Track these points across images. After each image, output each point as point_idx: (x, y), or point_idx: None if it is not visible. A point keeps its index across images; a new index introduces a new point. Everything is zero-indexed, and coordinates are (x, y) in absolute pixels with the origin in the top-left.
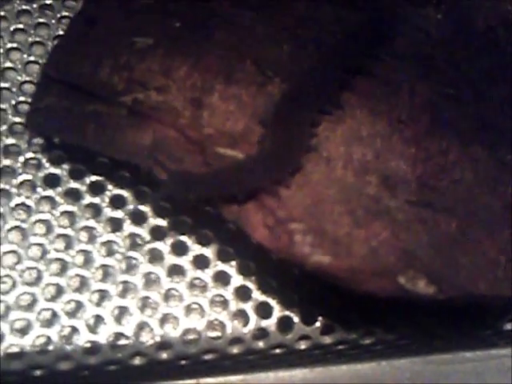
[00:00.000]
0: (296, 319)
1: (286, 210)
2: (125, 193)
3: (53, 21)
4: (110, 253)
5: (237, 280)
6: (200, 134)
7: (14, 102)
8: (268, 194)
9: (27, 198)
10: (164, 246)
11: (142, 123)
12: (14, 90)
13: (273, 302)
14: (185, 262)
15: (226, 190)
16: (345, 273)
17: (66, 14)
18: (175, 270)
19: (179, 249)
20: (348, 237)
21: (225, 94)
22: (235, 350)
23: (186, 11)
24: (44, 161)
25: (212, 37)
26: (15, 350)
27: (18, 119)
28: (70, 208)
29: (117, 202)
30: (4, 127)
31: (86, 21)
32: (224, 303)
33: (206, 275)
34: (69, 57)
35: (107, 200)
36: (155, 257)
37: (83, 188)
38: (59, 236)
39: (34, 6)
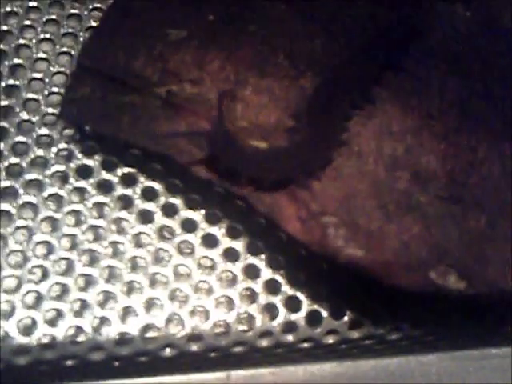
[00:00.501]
0: (324, 313)
1: (319, 204)
2: (156, 185)
3: (85, 12)
4: (141, 245)
5: (266, 273)
6: (233, 126)
7: (46, 93)
8: (300, 187)
9: (60, 188)
10: (195, 239)
11: (176, 114)
12: (46, 80)
13: (301, 296)
14: (215, 254)
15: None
16: (378, 266)
17: (98, 5)
18: (205, 263)
19: (210, 241)
20: (380, 231)
21: (258, 87)
22: (264, 343)
23: (220, 4)
24: (76, 152)
25: (245, 30)
26: (47, 339)
27: (50, 110)
28: (101, 199)
29: (148, 194)
30: (37, 118)
31: (120, 12)
32: (253, 296)
33: (236, 268)
34: (103, 47)
35: (139, 192)
36: (186, 249)
37: (115, 179)
38: (91, 227)
39: None
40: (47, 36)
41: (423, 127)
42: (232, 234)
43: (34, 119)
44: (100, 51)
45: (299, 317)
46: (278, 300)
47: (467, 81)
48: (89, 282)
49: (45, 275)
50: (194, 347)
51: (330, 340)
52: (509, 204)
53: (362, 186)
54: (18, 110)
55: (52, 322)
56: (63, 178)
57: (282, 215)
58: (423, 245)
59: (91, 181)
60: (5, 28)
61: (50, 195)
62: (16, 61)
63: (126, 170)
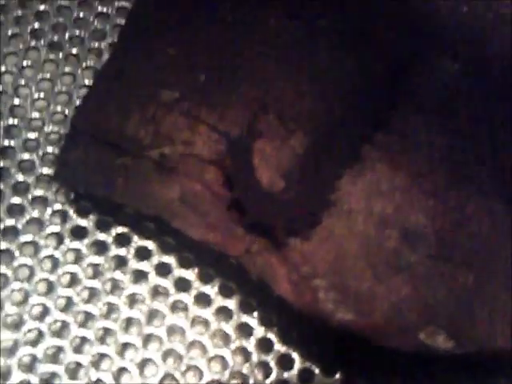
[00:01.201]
0: (317, 371)
1: (310, 266)
2: (150, 244)
3: (78, 71)
4: (136, 304)
5: (259, 331)
6: (226, 189)
7: (41, 153)
8: (291, 249)
9: (55, 249)
10: (188, 298)
11: (169, 177)
12: (40, 140)
13: (294, 354)
14: (208, 313)
15: None
16: (367, 329)
17: (92, 64)
18: (199, 322)
19: (203, 300)
20: (370, 292)
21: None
22: None
23: (211, 63)
24: (71, 212)
25: (237, 89)
26: None
27: (45, 170)
28: (96, 260)
29: (142, 254)
30: (32, 178)
31: (112, 73)
32: (246, 354)
33: (229, 327)
34: (96, 110)
35: (133, 251)
36: (179, 308)
37: (109, 239)
38: (85, 288)
39: (60, 55)
40: (41, 95)
41: (412, 185)
42: (225, 292)
43: (30, 180)
44: (93, 113)
45: (292, 374)
46: (270, 358)
47: (456, 137)
48: (84, 342)
49: (40, 336)
50: None
51: None
52: (497, 261)
53: (352, 246)
54: (12, 170)
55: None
56: (58, 239)
57: (273, 277)
58: (412, 306)
59: (86, 241)
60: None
61: (45, 257)
62: (11, 121)
63: (120, 229)
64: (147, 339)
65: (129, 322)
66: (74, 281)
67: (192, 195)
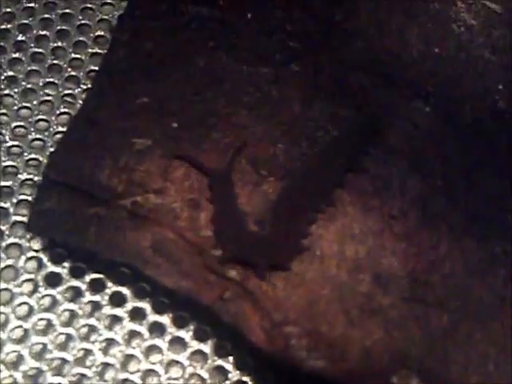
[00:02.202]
0: None
1: (282, 313)
2: (124, 290)
3: (52, 117)
4: (110, 351)
5: (234, 375)
6: (198, 236)
7: (15, 201)
8: (264, 296)
9: (29, 296)
10: (163, 342)
11: (142, 225)
12: (14, 188)
13: None
14: (183, 357)
15: None
16: (340, 376)
17: (65, 110)
18: (174, 366)
19: (178, 344)
20: (343, 338)
21: None
22: None
23: (183, 110)
24: (45, 260)
25: (209, 136)
26: None
27: (18, 218)
28: (70, 306)
29: (116, 299)
30: (5, 226)
31: (85, 122)
32: None
33: (204, 371)
34: (69, 159)
35: (107, 298)
36: (154, 353)
37: (83, 286)
38: (60, 334)
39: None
40: (15, 143)
41: (384, 227)
42: (200, 336)
43: (3, 228)
44: (66, 163)
45: None
46: None
47: (428, 178)
48: None
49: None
50: None
51: None
52: (471, 301)
53: (325, 291)
54: None
55: None
56: (33, 286)
57: (245, 325)
58: (385, 350)
59: (60, 288)
60: None
61: (20, 304)
62: None
63: (95, 276)
64: None
65: (104, 367)
66: (48, 327)
67: (164, 243)
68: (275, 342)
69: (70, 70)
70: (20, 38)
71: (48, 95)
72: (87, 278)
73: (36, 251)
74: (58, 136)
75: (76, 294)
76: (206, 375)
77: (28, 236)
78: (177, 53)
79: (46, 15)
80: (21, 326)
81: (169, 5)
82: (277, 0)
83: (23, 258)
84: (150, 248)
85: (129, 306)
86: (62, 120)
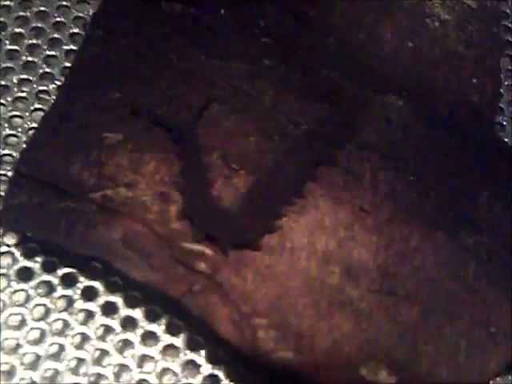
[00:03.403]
0: None
1: (251, 305)
2: (96, 284)
3: (26, 113)
4: (83, 344)
5: (206, 368)
6: (167, 229)
7: None
8: (232, 288)
9: (1, 291)
10: (135, 337)
11: (112, 219)
12: None
13: None
14: (155, 351)
15: None
16: (308, 368)
17: (39, 106)
18: (146, 360)
19: (150, 338)
20: (311, 329)
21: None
22: None
23: (155, 106)
24: (18, 254)
25: (179, 131)
26: None
27: None
28: (43, 301)
29: (89, 294)
30: None
31: (57, 117)
32: None
33: (176, 365)
34: (40, 153)
35: (79, 292)
36: (126, 347)
37: (55, 280)
38: (32, 329)
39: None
40: None
41: (355, 221)
42: (172, 330)
43: None
44: (37, 157)
45: None
46: None
47: (400, 172)
48: None
49: None
50: None
51: None
52: (441, 293)
53: (294, 283)
54: None
55: None
56: (6, 281)
57: (214, 317)
58: (354, 342)
59: (32, 283)
60: None
61: None
62: None
63: (67, 270)
64: (95, 379)
65: (77, 362)
66: (21, 323)
67: (134, 236)
68: (243, 333)
69: (45, 67)
70: None
71: (23, 92)
72: (59, 273)
73: (8, 246)
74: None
75: (48, 288)
76: (178, 369)
77: (0, 231)
78: (150, 49)
79: (22, 13)
80: None
81: (142, 2)
82: None
83: None
84: (120, 241)
85: (101, 300)
86: (36, 116)
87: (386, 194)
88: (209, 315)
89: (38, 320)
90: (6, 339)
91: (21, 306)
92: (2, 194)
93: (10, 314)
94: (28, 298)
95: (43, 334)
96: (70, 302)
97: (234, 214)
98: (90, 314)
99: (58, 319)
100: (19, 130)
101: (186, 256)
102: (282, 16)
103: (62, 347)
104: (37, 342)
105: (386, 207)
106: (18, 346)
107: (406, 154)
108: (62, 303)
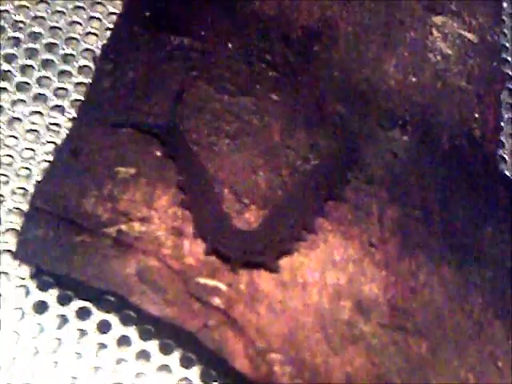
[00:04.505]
0: None
1: (265, 340)
2: (111, 317)
3: (38, 146)
4: (97, 375)
5: None
6: (181, 263)
7: (3, 230)
8: (247, 323)
9: (16, 324)
10: (149, 369)
11: (127, 254)
12: (1, 218)
13: None
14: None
15: None
16: None
17: (52, 139)
18: None
19: (164, 371)
20: (325, 364)
21: None
22: None
23: (166, 140)
24: (32, 287)
25: (191, 165)
26: None
27: (6, 245)
28: (57, 333)
29: (103, 327)
30: None
31: (70, 151)
32: None
33: None
34: (55, 188)
35: (94, 325)
36: (140, 379)
37: (70, 314)
38: (47, 361)
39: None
40: (2, 172)
41: (365, 255)
42: (186, 363)
43: None
44: (52, 192)
45: None
46: None
47: (406, 206)
48: None
49: None
50: None
51: None
52: (449, 327)
53: (307, 318)
54: None
55: None
56: (20, 314)
57: (230, 352)
58: (366, 376)
59: (47, 315)
60: None
61: (8, 331)
62: None
63: (81, 303)
64: None
65: None
66: (35, 354)
67: (149, 271)
68: (259, 369)
69: (54, 99)
70: (5, 67)
71: (33, 124)
72: (74, 306)
73: (23, 279)
74: (44, 164)
75: (63, 321)
76: None
77: (16, 264)
78: (159, 83)
79: (31, 45)
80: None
81: (151, 35)
82: (257, 30)
83: (11, 285)
84: (134, 276)
85: (115, 333)
86: (47, 149)
87: (393, 229)
88: (224, 350)
89: (53, 352)
90: (21, 370)
91: (35, 338)
92: (16, 226)
93: (25, 347)
94: (42, 331)
95: (58, 365)
96: (83, 334)
97: (247, 234)
98: (104, 347)
99: (73, 351)
100: (31, 162)
101: (200, 291)
102: (289, 50)
103: (76, 380)
104: (52, 373)
105: (394, 242)
106: (33, 374)
107: (412, 188)
108: (75, 336)
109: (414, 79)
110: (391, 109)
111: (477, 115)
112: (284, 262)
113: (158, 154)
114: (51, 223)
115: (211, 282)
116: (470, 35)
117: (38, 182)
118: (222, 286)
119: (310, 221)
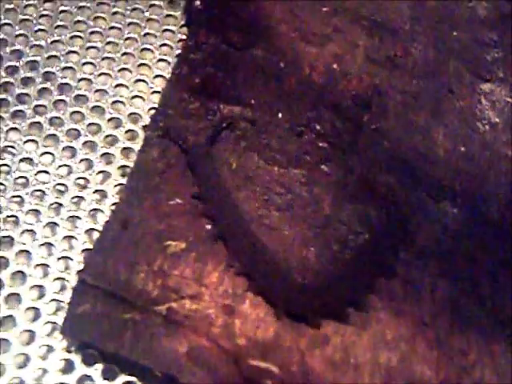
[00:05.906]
0: None
1: None
2: None
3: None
4: None
5: None
6: (233, 344)
7: (47, 300)
8: None
9: None
10: None
11: (177, 332)
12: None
13: None
14: None
15: None
16: None
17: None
18: None
19: None
20: None
21: (255, 300)
22: None
23: (216, 212)
24: (78, 362)
25: (243, 239)
26: None
27: (49, 318)
28: None
29: None
30: (38, 325)
31: (119, 223)
32: None
33: None
34: (103, 262)
35: None
36: None
37: None
38: None
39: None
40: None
41: (416, 334)
42: None
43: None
44: (100, 266)
45: None
46: None
47: (457, 280)
48: None
49: None
50: None
51: None
52: None
53: None
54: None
55: None
56: None
57: None
58: None
59: None
60: None
61: None
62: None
63: (127, 378)
64: None
65: None
66: None
67: (199, 351)
68: None
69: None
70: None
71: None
72: (119, 381)
73: (68, 352)
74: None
75: None
76: None
77: (60, 338)
78: (209, 152)
79: (77, 108)
80: None
81: (201, 103)
82: (306, 100)
83: (54, 359)
84: (185, 355)
85: None
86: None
87: (444, 304)
88: None
89: None
90: None
91: None
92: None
93: None
94: None
95: None
96: None
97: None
98: None
99: None
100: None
101: (252, 373)
102: (338, 120)
103: None
104: None
105: (444, 318)
106: None
107: (462, 261)
108: None
109: (462, 148)
110: (440, 178)
111: None
112: (335, 340)
113: (208, 227)
114: (100, 298)
115: (263, 364)
116: None
117: (87, 254)
118: (275, 369)
119: (361, 298)
